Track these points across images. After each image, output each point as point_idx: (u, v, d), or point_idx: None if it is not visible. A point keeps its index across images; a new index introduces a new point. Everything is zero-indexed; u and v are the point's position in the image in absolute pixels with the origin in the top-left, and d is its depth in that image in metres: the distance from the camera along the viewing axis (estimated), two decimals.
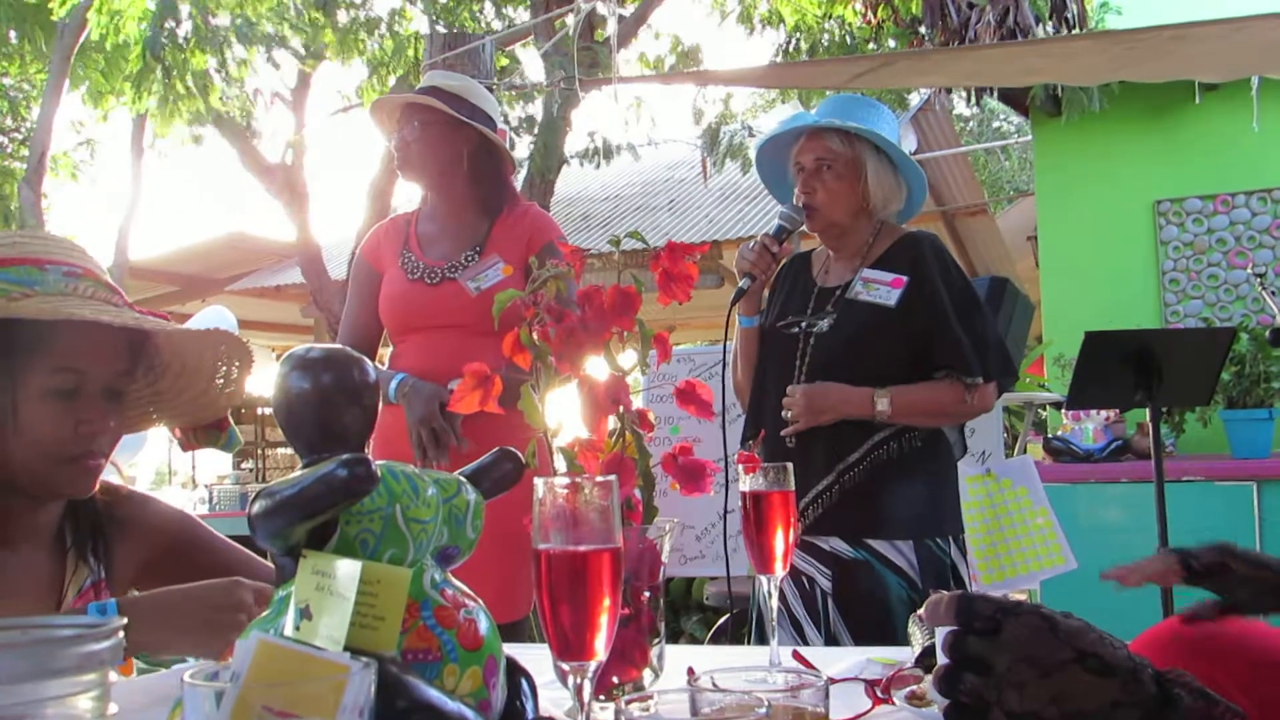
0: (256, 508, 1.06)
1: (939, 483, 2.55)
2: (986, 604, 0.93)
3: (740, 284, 2.64)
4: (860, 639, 2.39)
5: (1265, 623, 1.34)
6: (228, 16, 7.45)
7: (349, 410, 1.17)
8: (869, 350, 2.51)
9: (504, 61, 7.88)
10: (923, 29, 6.72)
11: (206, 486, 11.37)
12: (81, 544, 1.75)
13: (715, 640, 4.72)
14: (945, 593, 0.98)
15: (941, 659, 0.94)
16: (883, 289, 2.53)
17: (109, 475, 1.77)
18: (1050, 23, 6.22)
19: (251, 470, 13.16)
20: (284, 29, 7.89)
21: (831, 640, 2.45)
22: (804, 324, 2.60)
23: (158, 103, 7.56)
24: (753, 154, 3.68)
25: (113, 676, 0.77)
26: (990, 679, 0.89)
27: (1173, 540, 3.57)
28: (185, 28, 7.55)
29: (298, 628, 1.02)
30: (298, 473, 1.08)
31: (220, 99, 7.56)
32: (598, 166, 8.57)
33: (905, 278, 2.53)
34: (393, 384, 2.79)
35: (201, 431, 1.89)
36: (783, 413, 2.53)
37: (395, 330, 2.94)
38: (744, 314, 2.73)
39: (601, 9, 6.88)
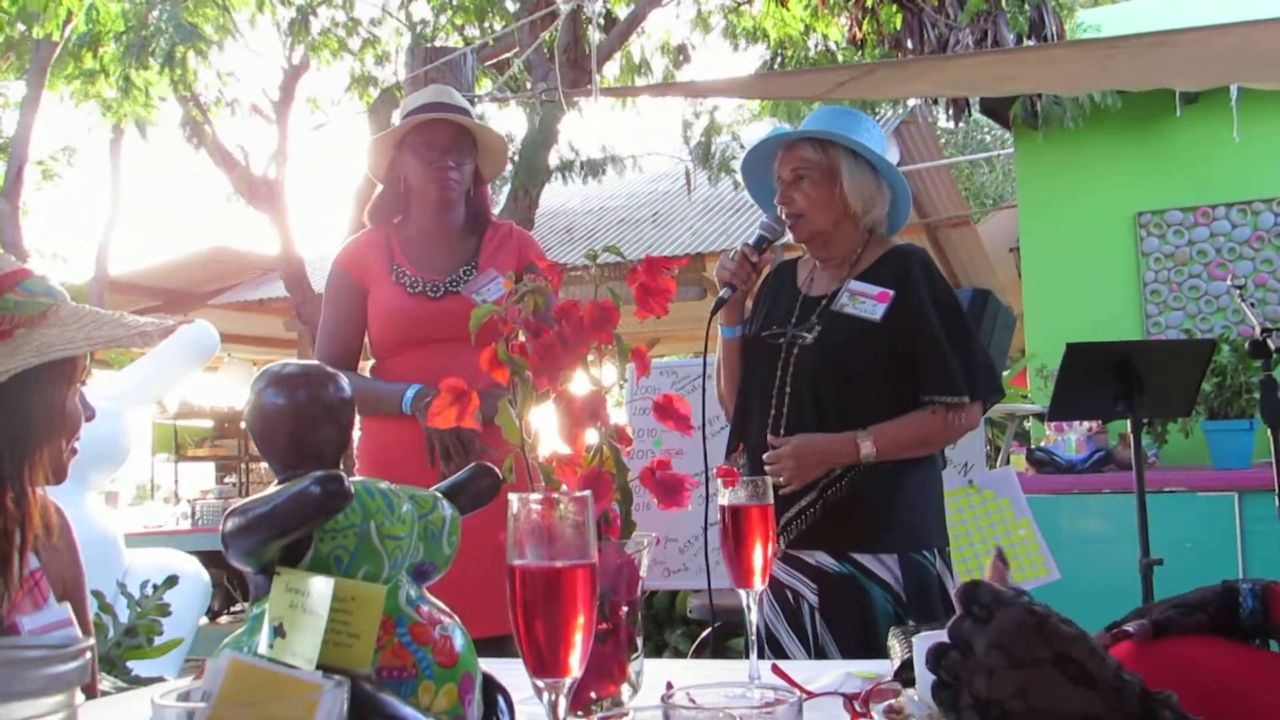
0: (229, 525, 1.05)
1: (923, 496, 2.55)
2: (988, 591, 0.94)
3: (720, 294, 2.64)
4: (847, 652, 2.38)
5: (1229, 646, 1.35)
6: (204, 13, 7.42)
7: (324, 427, 1.16)
8: (852, 364, 2.50)
9: (484, 81, 7.87)
10: (908, 44, 6.75)
11: (189, 501, 11.32)
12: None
13: (698, 653, 4.71)
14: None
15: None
16: (869, 302, 2.52)
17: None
18: (1029, 41, 6.26)
19: (234, 485, 13.11)
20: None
21: (819, 654, 2.45)
22: (789, 334, 2.59)
23: (118, 94, 7.59)
24: (738, 174, 3.68)
25: (79, 698, 0.77)
26: (967, 660, 0.91)
27: (1155, 550, 3.58)
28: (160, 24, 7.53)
29: (271, 645, 1.01)
30: (271, 489, 1.07)
31: (192, 99, 7.55)
32: (585, 181, 8.58)
33: (892, 292, 2.52)
34: (408, 394, 2.74)
35: None
36: (769, 476, 2.48)
37: (391, 344, 2.89)
38: (725, 324, 2.73)
39: (588, 9, 6.87)
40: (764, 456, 2.49)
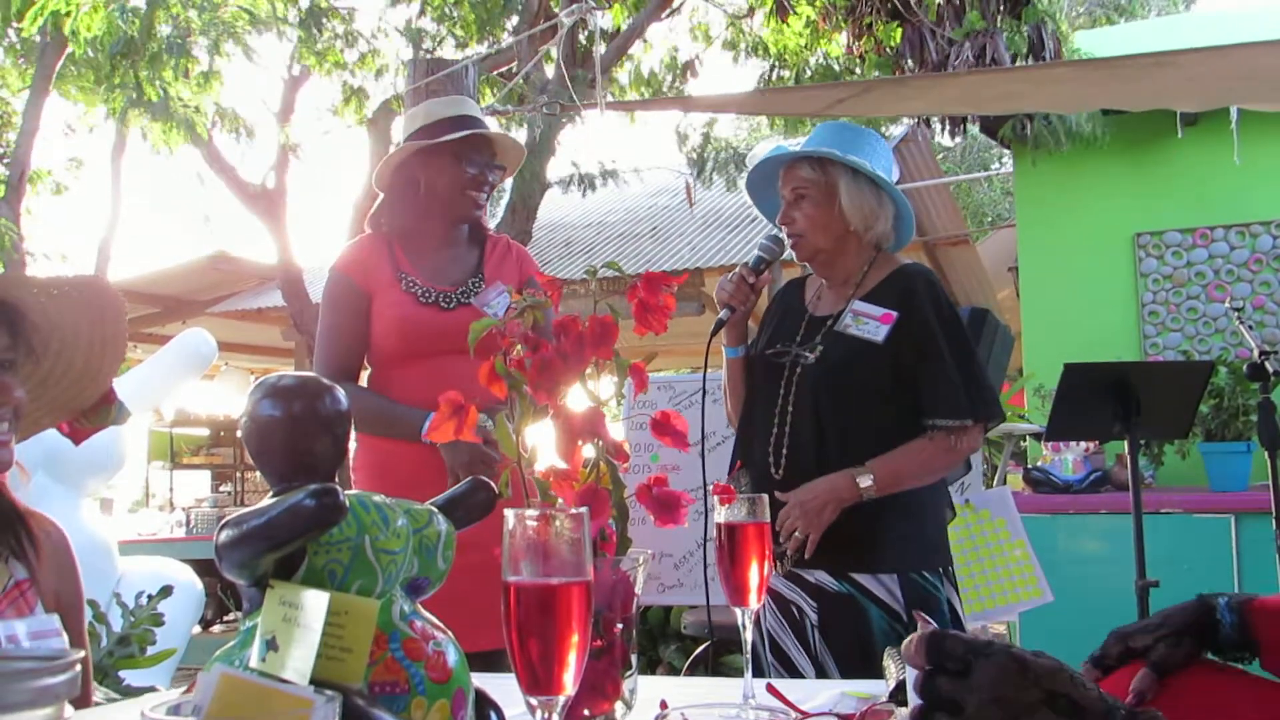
0: (223, 537, 1.05)
1: (926, 517, 2.53)
2: (957, 643, 0.92)
3: (720, 315, 2.63)
4: (846, 671, 2.37)
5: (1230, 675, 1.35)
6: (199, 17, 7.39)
7: (320, 439, 1.16)
8: (853, 384, 2.49)
9: (488, 95, 7.86)
10: (907, 60, 6.76)
11: (184, 509, 11.28)
12: (3, 542, 1.70)
13: (693, 669, 4.70)
14: (919, 632, 0.97)
15: (914, 699, 0.93)
16: (872, 323, 2.51)
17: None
18: (1026, 60, 6.25)
19: (230, 493, 13.07)
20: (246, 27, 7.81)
21: (819, 671, 2.44)
22: (792, 353, 2.58)
23: (121, 110, 7.58)
24: (742, 188, 3.67)
25: (69, 711, 0.76)
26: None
27: (1150, 571, 3.58)
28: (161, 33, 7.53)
29: (263, 659, 1.01)
30: (265, 502, 1.07)
31: (186, 108, 7.54)
32: (584, 195, 8.58)
33: (895, 313, 2.51)
34: (426, 424, 2.64)
35: (91, 413, 1.83)
36: (783, 545, 2.46)
37: (397, 354, 2.82)
38: (728, 344, 2.72)
39: (590, 22, 6.89)
40: (776, 528, 2.45)
